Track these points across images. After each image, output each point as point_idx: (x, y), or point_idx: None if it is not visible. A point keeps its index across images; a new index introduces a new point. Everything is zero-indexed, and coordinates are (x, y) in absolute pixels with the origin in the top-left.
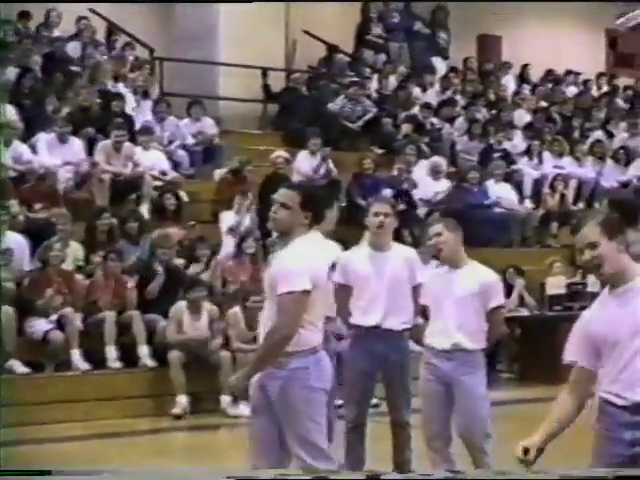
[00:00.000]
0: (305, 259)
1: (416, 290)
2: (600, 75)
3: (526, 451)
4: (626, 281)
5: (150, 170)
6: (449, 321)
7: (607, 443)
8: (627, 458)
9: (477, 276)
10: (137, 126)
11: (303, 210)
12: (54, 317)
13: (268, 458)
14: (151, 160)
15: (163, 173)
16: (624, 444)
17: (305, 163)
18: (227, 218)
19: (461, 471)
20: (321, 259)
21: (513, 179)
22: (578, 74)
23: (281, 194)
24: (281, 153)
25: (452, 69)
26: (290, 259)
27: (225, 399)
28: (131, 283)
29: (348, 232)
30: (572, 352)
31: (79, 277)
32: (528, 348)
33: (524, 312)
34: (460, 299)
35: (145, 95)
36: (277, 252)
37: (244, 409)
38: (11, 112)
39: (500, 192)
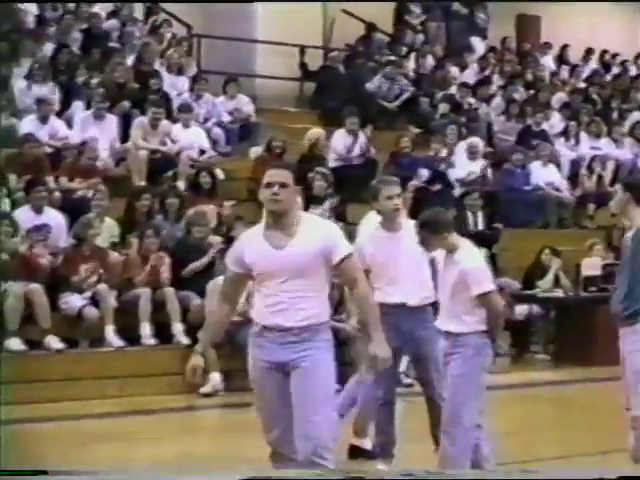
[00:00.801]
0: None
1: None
2: (639, 56)
3: None
4: None
5: (189, 148)
6: (441, 306)
7: None
8: None
9: (456, 264)
10: (174, 103)
11: (296, 186)
12: (88, 293)
13: (280, 433)
14: (190, 138)
15: (202, 151)
16: None
17: (341, 142)
18: None
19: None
20: None
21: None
22: (616, 55)
23: (280, 174)
24: (317, 131)
25: (491, 49)
26: (334, 227)
27: None
28: (167, 260)
29: None
30: None
31: (114, 254)
32: (563, 329)
33: (559, 293)
34: (447, 286)
35: (179, 72)
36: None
37: None
38: (48, 88)
39: (546, 175)
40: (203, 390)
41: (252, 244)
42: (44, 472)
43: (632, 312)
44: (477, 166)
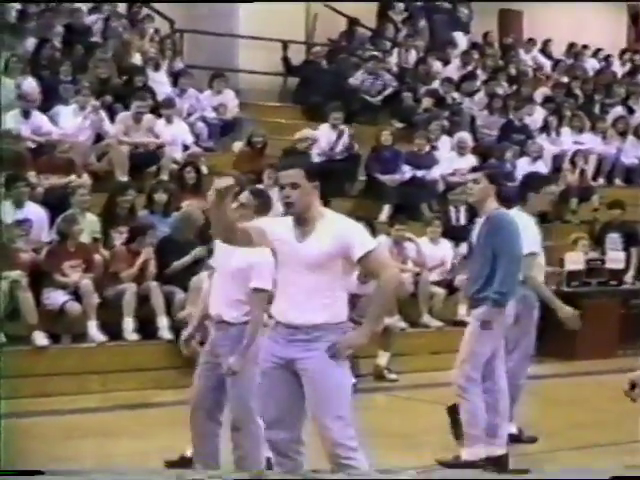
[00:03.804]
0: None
1: None
2: (625, 51)
3: (633, 386)
4: None
5: (172, 143)
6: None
7: None
8: None
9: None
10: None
11: (310, 182)
12: (71, 289)
13: (280, 426)
14: (173, 133)
15: (186, 146)
16: None
17: (324, 138)
18: None
19: None
20: None
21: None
22: (599, 50)
23: (287, 175)
24: (306, 132)
25: (473, 44)
26: (352, 224)
27: None
28: (151, 255)
29: (366, 206)
30: None
31: (98, 250)
32: (545, 324)
33: None
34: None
35: (157, 68)
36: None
37: None
38: (30, 83)
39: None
40: None
41: (282, 225)
42: (40, 472)
43: (482, 296)
44: (466, 162)
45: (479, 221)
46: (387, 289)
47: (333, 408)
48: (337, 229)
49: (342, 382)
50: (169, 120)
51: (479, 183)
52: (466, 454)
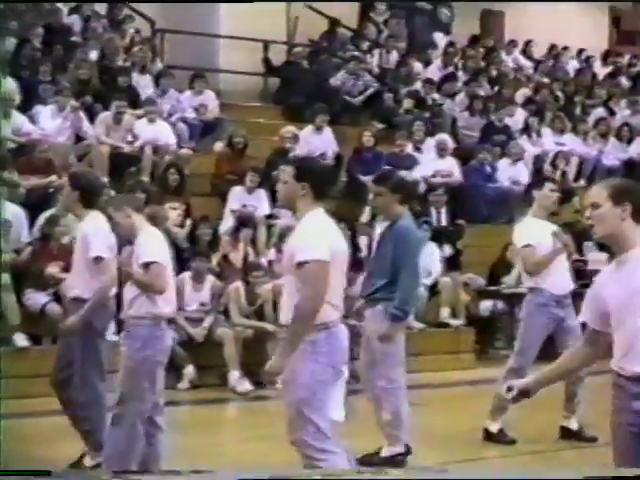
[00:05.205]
0: (321, 231)
1: None
2: (608, 53)
3: (509, 389)
4: (625, 249)
5: (153, 143)
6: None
7: (619, 413)
8: (636, 428)
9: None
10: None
11: (298, 182)
12: (52, 290)
13: None
14: (155, 133)
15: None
16: (633, 414)
17: (307, 139)
18: (237, 195)
19: None
20: (337, 234)
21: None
22: (581, 51)
23: (280, 169)
24: (290, 129)
25: (451, 44)
26: (307, 230)
27: (233, 376)
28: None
29: (348, 207)
30: (584, 313)
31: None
32: None
33: (524, 289)
34: None
35: (143, 68)
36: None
37: (250, 386)
38: (10, 83)
39: (515, 173)
40: (180, 386)
41: None
42: (47, 472)
43: (377, 297)
44: (447, 164)
45: (382, 223)
46: (296, 315)
47: (298, 409)
48: (295, 232)
49: (308, 383)
50: (151, 120)
51: (382, 195)
52: (386, 451)
